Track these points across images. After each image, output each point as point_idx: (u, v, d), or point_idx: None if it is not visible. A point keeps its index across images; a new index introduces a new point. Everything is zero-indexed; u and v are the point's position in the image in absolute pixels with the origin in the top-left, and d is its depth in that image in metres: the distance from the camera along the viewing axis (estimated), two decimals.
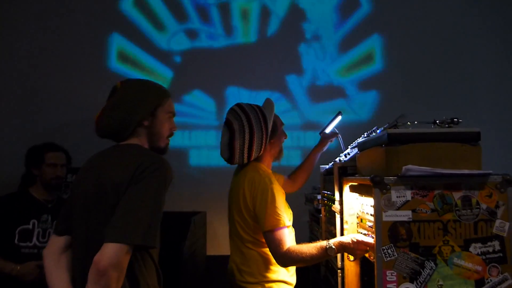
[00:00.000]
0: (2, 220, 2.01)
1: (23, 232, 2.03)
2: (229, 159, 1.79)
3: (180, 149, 3.44)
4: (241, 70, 3.51)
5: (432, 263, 1.26)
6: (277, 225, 1.61)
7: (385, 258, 1.26)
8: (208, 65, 3.50)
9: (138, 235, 1.14)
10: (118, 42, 3.52)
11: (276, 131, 1.86)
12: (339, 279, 1.81)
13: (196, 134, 3.45)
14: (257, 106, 1.83)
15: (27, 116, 3.45)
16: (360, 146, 1.72)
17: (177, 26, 3.56)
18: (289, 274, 1.74)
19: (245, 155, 1.75)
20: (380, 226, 1.28)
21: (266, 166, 1.85)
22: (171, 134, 1.46)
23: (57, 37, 3.52)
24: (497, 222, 1.28)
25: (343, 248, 1.56)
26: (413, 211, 1.28)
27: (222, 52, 3.53)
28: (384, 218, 1.28)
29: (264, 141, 1.76)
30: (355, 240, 1.53)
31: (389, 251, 1.26)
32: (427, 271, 1.26)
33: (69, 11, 3.54)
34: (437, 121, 1.45)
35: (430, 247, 1.27)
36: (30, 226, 2.05)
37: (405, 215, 1.28)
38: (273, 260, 1.65)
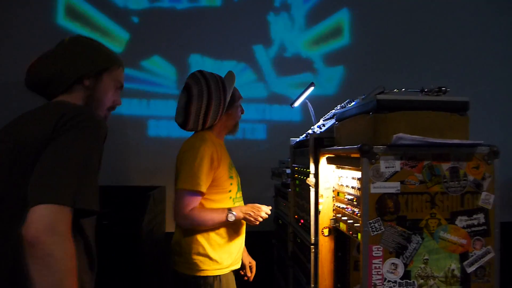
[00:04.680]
0: None
1: None
2: (183, 124, 1.79)
3: (138, 118, 3.16)
4: (206, 36, 3.26)
5: (419, 237, 1.20)
6: (192, 188, 1.62)
7: (372, 233, 1.18)
8: (170, 28, 3.22)
9: (66, 195, 0.93)
10: None
11: (234, 103, 1.86)
12: (312, 255, 1.74)
13: (155, 103, 3.19)
14: (219, 75, 1.84)
15: None
16: (340, 116, 1.63)
17: None
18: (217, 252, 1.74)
19: (200, 122, 1.75)
20: (367, 198, 1.19)
21: (216, 136, 1.84)
22: (112, 108, 1.28)
23: None
24: (483, 195, 1.24)
25: (243, 215, 1.72)
26: (402, 182, 1.20)
27: (185, 15, 3.25)
28: (372, 190, 1.19)
29: (220, 111, 1.77)
30: (257, 209, 1.73)
31: (376, 224, 1.18)
32: (414, 245, 1.19)
33: None
34: (425, 90, 1.38)
35: (417, 220, 1.20)
36: None
37: (393, 187, 1.20)
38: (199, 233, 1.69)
